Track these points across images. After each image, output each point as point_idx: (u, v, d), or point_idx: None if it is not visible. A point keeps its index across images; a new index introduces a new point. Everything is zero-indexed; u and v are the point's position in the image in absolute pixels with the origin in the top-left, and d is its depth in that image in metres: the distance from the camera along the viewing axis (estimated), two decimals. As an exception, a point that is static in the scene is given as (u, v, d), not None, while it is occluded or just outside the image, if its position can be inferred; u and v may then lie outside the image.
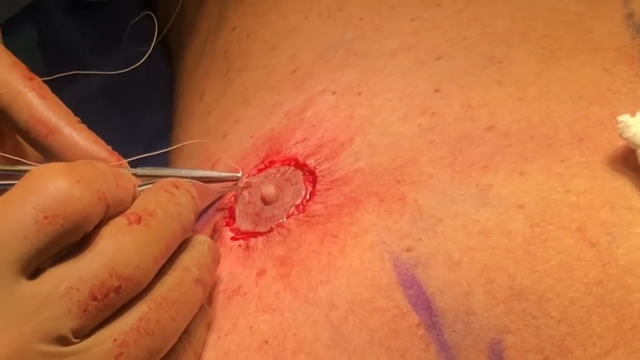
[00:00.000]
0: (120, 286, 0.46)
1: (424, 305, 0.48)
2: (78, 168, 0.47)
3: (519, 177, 0.50)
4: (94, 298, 0.45)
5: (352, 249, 0.51)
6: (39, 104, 0.59)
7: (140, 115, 1.02)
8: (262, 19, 0.71)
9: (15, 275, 0.44)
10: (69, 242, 0.46)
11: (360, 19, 0.65)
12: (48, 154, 0.59)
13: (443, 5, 0.62)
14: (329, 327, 0.49)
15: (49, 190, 0.45)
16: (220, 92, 0.70)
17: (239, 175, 0.59)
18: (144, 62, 1.07)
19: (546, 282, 0.46)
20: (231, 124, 0.66)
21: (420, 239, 0.49)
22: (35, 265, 0.45)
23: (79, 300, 0.44)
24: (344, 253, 0.51)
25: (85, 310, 0.45)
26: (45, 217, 0.44)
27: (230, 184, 0.59)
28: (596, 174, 0.49)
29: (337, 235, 0.52)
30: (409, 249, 0.49)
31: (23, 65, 0.60)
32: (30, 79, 0.60)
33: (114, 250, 0.46)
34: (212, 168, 0.64)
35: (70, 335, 0.44)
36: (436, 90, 0.56)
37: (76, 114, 1.04)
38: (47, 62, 1.12)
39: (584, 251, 0.47)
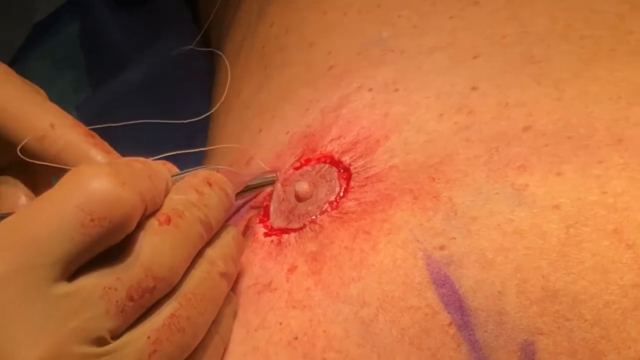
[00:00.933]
0: (154, 286, 0.46)
1: (456, 304, 0.47)
2: (122, 170, 0.46)
3: (555, 177, 0.49)
4: (131, 298, 0.45)
5: (385, 246, 0.50)
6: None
7: (180, 111, 1.02)
8: (301, 16, 0.71)
9: (56, 276, 0.44)
10: (111, 244, 0.45)
11: (399, 16, 0.65)
12: None
13: (482, 3, 0.62)
14: (360, 325, 0.49)
15: (96, 192, 0.44)
16: (258, 87, 0.70)
17: (274, 178, 0.59)
18: (184, 59, 1.08)
19: (580, 284, 0.46)
20: (267, 119, 0.66)
21: (454, 238, 0.49)
22: (76, 267, 0.45)
23: (117, 301, 0.45)
24: (376, 250, 0.50)
25: (122, 311, 0.45)
26: (92, 220, 0.44)
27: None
28: (634, 176, 0.48)
29: (369, 232, 0.51)
30: (442, 247, 0.49)
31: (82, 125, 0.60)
32: (92, 136, 0.60)
33: (149, 252, 0.46)
34: (247, 164, 0.64)
35: (107, 336, 0.44)
36: (473, 89, 0.56)
37: (118, 108, 1.05)
38: (88, 56, 1.13)
39: (619, 253, 0.46)
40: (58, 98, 1.11)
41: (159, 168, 0.52)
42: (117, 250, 0.46)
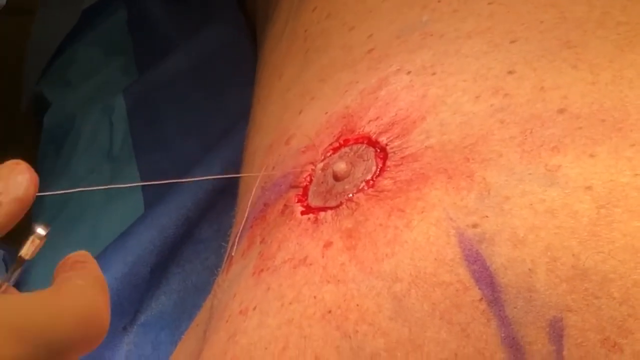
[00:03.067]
0: None
1: (487, 280, 0.48)
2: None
3: (588, 159, 0.50)
4: None
5: (418, 223, 0.51)
6: None
7: (225, 95, 1.04)
8: (343, 0, 0.72)
9: None
10: None
11: (439, 1, 0.65)
12: None
13: None
14: (392, 299, 0.50)
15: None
16: (299, 70, 0.71)
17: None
18: (230, 44, 1.09)
19: (610, 263, 0.46)
20: (307, 101, 0.67)
21: (487, 216, 0.50)
22: None
23: None
24: (410, 227, 0.51)
25: None
26: None
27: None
28: None
29: (404, 209, 0.52)
30: (474, 225, 0.50)
31: None
32: None
33: None
34: (287, 144, 0.65)
35: None
36: (510, 72, 0.57)
37: (165, 92, 1.06)
38: (136, 43, 1.14)
39: (649, 234, 0.47)
40: (106, 82, 1.13)
41: None
42: None
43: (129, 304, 0.83)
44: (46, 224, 0.49)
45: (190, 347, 0.67)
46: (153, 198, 0.93)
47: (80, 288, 0.47)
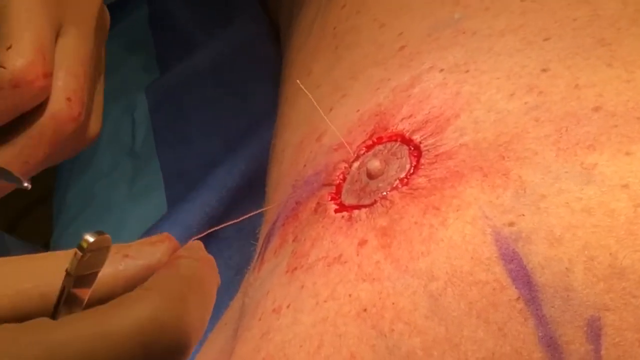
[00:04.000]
0: None
1: (523, 279, 0.48)
2: None
3: (624, 157, 0.50)
4: None
5: (454, 221, 0.51)
6: None
7: (247, 94, 1.04)
8: None
9: None
10: None
11: None
12: None
13: None
14: (428, 298, 0.50)
15: None
16: (329, 67, 0.71)
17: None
18: (253, 43, 1.09)
19: None
20: (338, 98, 0.67)
21: (523, 214, 0.49)
22: None
23: None
24: (445, 225, 0.51)
25: None
26: None
27: None
28: None
29: (439, 207, 0.52)
30: (511, 224, 0.49)
31: None
32: None
33: None
34: (319, 141, 0.65)
35: None
36: (543, 70, 0.56)
37: (187, 90, 1.06)
38: (157, 40, 1.14)
39: (687, 232, 0.47)
40: (128, 79, 1.13)
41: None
42: None
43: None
44: (96, 233, 0.42)
45: (219, 346, 0.67)
46: (177, 196, 0.93)
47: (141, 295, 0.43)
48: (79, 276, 0.43)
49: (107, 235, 0.42)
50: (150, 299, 0.42)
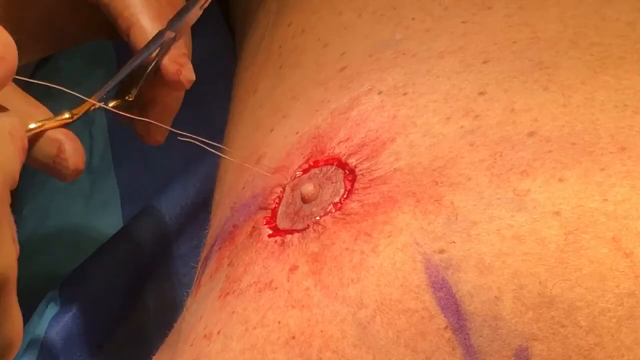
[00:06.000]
0: None
1: (452, 308, 0.47)
2: None
3: (557, 183, 0.49)
4: None
5: (385, 248, 0.50)
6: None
7: (207, 110, 1.03)
8: (318, 15, 0.71)
9: None
10: None
11: (413, 19, 0.65)
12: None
13: (495, 8, 0.62)
14: (356, 326, 0.49)
15: None
16: (272, 87, 0.71)
17: None
18: (214, 58, 1.08)
19: (577, 291, 0.46)
20: (279, 119, 0.66)
21: (454, 242, 0.49)
22: None
23: None
24: (376, 252, 0.51)
25: None
26: None
27: None
28: (635, 184, 0.48)
29: (370, 234, 0.52)
30: (441, 251, 0.49)
31: None
32: None
33: None
34: (258, 162, 0.64)
35: None
36: (481, 93, 0.56)
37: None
38: (118, 53, 1.13)
39: (617, 261, 0.46)
40: (88, 94, 1.12)
41: None
42: None
43: (104, 321, 0.82)
44: None
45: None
46: (131, 212, 0.93)
47: None
48: None
49: None
50: None
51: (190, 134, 0.99)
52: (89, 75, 1.13)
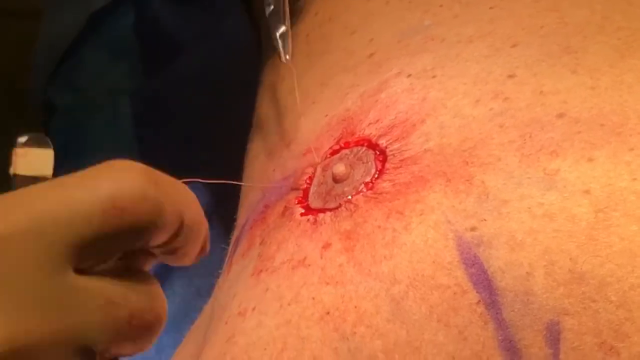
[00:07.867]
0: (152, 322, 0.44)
1: (484, 283, 0.48)
2: (159, 176, 0.44)
3: (586, 163, 0.50)
4: (130, 323, 0.42)
5: (417, 226, 0.51)
6: None
7: (232, 101, 1.04)
8: (345, 3, 0.72)
9: (63, 259, 0.40)
10: (129, 245, 0.43)
11: (440, 6, 0.66)
12: None
13: None
14: (390, 301, 0.50)
15: (124, 183, 0.41)
16: (301, 74, 0.71)
17: None
18: (239, 50, 1.09)
19: (607, 267, 0.46)
20: (308, 105, 0.67)
21: (485, 219, 0.50)
22: (87, 260, 0.41)
23: (115, 318, 0.42)
24: (408, 230, 0.51)
25: (116, 331, 0.42)
26: (114, 208, 0.40)
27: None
28: None
29: (402, 212, 0.52)
30: (472, 229, 0.50)
31: None
32: None
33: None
34: (288, 146, 0.65)
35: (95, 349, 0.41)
36: (510, 76, 0.57)
37: (171, 97, 1.06)
38: (143, 47, 1.14)
39: (647, 239, 0.47)
40: (113, 87, 1.13)
41: None
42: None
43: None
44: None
45: (189, 350, 0.67)
46: None
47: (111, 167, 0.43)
48: None
49: None
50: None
51: (213, 123, 1.01)
52: (113, 67, 1.14)
